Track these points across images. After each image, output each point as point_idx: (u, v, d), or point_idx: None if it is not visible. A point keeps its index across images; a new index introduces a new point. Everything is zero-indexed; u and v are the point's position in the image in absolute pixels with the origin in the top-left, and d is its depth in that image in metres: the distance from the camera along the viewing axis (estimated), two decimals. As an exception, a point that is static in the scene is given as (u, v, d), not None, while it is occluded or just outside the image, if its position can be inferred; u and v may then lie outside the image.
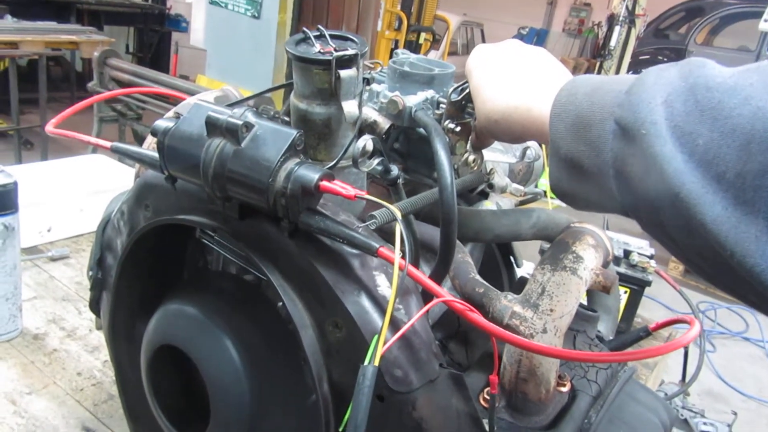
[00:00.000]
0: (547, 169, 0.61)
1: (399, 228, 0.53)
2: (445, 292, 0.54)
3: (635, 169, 0.48)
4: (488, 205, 0.95)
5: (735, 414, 2.93)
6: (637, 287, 1.51)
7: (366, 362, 0.51)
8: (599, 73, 6.98)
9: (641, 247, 1.59)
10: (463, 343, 0.82)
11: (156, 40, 7.50)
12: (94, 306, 0.94)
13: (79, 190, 1.89)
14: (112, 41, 5.16)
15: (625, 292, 1.52)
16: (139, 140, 4.46)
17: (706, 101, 0.43)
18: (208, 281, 0.82)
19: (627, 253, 1.55)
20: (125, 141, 4.41)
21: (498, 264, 1.00)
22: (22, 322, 1.26)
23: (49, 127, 0.84)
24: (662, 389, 1.55)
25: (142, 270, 0.82)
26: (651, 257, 1.55)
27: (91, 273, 0.91)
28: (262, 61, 4.28)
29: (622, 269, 1.51)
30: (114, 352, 0.88)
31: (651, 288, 1.59)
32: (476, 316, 0.53)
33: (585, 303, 0.91)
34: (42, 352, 1.21)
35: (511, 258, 1.01)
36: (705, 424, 2.68)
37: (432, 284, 0.54)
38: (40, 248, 1.59)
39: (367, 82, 0.79)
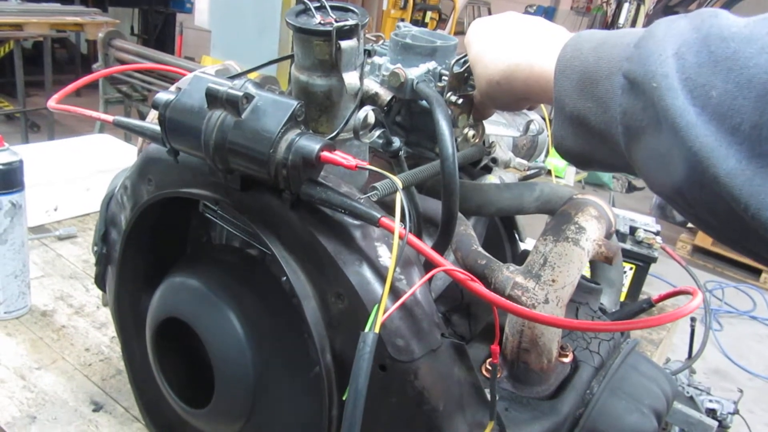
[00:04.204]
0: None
1: (399, 196, 0.53)
2: (446, 262, 0.54)
3: (645, 124, 0.47)
4: (491, 179, 0.94)
5: (741, 391, 2.94)
6: (643, 264, 1.50)
7: (366, 329, 0.51)
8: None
9: (647, 223, 1.58)
10: (466, 316, 0.82)
11: (160, 21, 7.47)
12: (100, 281, 0.95)
13: (85, 170, 1.90)
14: (116, 23, 5.14)
15: (631, 268, 1.52)
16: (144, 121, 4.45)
17: (720, 51, 0.42)
18: (212, 255, 0.83)
19: (633, 230, 1.54)
20: (131, 122, 4.42)
21: (501, 239, 1.00)
22: (30, 300, 1.27)
23: (51, 103, 0.84)
24: (668, 367, 1.55)
25: (145, 244, 0.82)
26: (657, 234, 1.55)
27: (96, 248, 0.92)
28: (267, 41, 4.25)
29: (628, 246, 1.50)
30: (120, 326, 0.89)
31: (657, 268, 1.58)
32: (478, 286, 0.54)
33: (588, 276, 0.91)
34: (50, 328, 1.23)
35: (515, 232, 1.01)
36: (711, 401, 2.69)
37: (433, 253, 0.54)
38: (47, 227, 1.60)
39: (369, 54, 0.79)
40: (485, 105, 0.77)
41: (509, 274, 0.67)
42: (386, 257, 0.61)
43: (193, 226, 0.88)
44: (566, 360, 0.70)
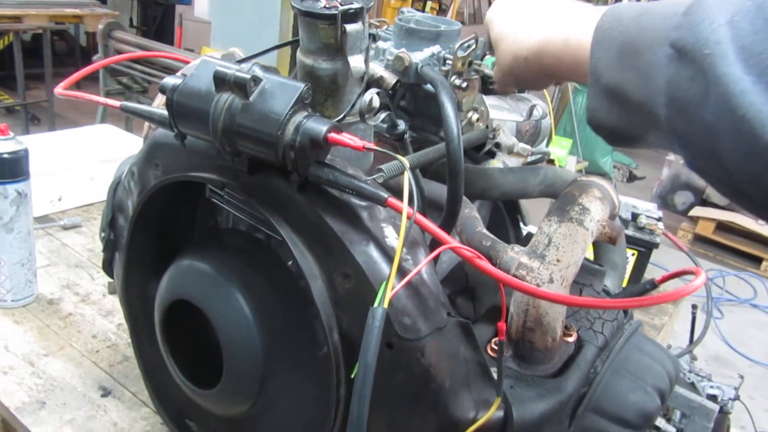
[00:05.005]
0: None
1: (407, 175, 0.54)
2: (453, 240, 0.54)
3: (693, 92, 0.46)
4: (495, 164, 0.95)
5: (742, 378, 2.95)
6: (645, 249, 1.51)
7: (375, 305, 0.52)
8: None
9: (648, 210, 1.59)
10: (470, 298, 0.83)
11: (160, 12, 7.43)
12: (107, 267, 0.96)
13: (88, 159, 1.91)
14: (115, 15, 5.13)
15: (633, 254, 1.53)
16: (146, 113, 4.45)
17: None
18: (219, 239, 0.84)
19: (635, 216, 1.55)
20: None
21: (505, 223, 1.01)
22: (37, 288, 1.28)
23: (58, 89, 0.85)
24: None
25: (153, 229, 0.83)
26: (659, 220, 1.55)
27: (103, 234, 0.92)
28: (267, 32, 4.24)
29: (630, 232, 1.51)
30: (128, 311, 0.90)
31: (659, 256, 1.59)
32: (484, 263, 0.54)
33: (592, 259, 0.92)
34: (57, 316, 1.24)
35: (518, 217, 1.01)
36: (712, 387, 2.70)
37: (440, 232, 0.55)
38: (51, 217, 1.60)
39: (374, 38, 0.79)
40: (506, 83, 0.76)
41: (514, 254, 0.68)
42: (393, 237, 0.62)
43: (200, 211, 0.88)
44: (570, 339, 0.71)
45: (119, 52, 4.06)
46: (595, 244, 0.93)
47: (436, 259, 0.74)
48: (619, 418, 0.71)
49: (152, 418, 1.01)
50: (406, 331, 0.59)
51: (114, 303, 1.30)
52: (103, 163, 1.85)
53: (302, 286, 0.71)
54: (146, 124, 0.97)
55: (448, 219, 0.65)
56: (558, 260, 0.65)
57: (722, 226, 5.16)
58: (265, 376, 0.71)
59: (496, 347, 0.67)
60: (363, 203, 0.62)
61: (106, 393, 1.05)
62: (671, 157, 5.77)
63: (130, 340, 1.18)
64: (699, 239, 5.12)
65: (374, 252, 0.60)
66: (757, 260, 4.93)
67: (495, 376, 0.64)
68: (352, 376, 0.58)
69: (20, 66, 4.47)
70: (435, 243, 0.59)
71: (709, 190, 5.55)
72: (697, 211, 5.37)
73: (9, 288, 1.22)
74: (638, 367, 0.74)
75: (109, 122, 2.89)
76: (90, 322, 1.23)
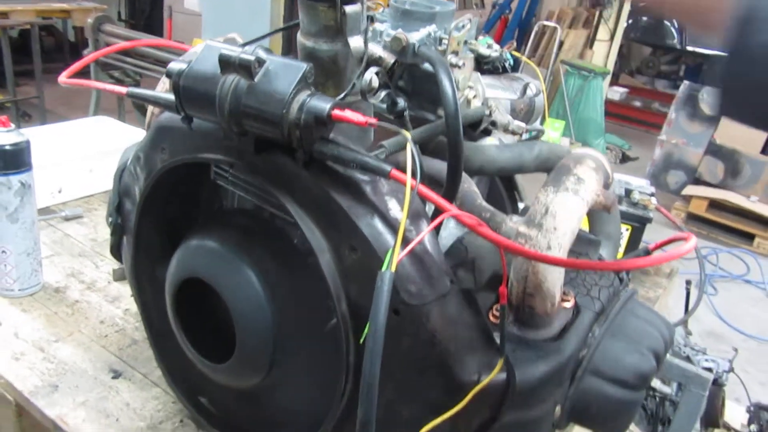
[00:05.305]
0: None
1: (410, 146, 0.56)
2: (454, 208, 0.57)
3: None
4: (491, 141, 0.97)
5: (735, 350, 3.00)
6: (639, 224, 1.55)
7: (383, 269, 0.55)
8: (598, 23, 6.88)
9: (641, 185, 1.62)
10: (471, 270, 0.85)
11: (148, 5, 7.40)
12: (116, 251, 0.98)
13: (86, 152, 1.92)
14: (104, 8, 5.10)
15: (627, 229, 1.56)
16: (138, 105, 4.46)
17: None
18: (226, 219, 0.86)
19: (628, 192, 1.58)
20: (124, 107, 4.42)
21: (502, 198, 1.03)
22: (42, 277, 1.30)
23: (62, 78, 0.87)
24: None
25: (160, 212, 0.85)
26: (651, 195, 1.59)
27: (110, 219, 0.95)
28: (258, 23, 4.24)
29: (624, 207, 1.54)
30: (138, 293, 0.92)
31: (652, 235, 1.62)
32: (485, 230, 0.57)
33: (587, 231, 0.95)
34: (64, 303, 1.26)
35: (515, 193, 1.04)
36: (707, 360, 2.75)
37: (441, 200, 0.58)
38: (52, 209, 1.62)
39: (371, 20, 0.81)
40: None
41: (512, 224, 0.71)
42: (396, 210, 0.64)
43: (205, 195, 0.91)
44: (568, 305, 0.74)
45: (110, 46, 4.05)
46: (590, 217, 0.96)
47: (438, 230, 0.77)
48: (617, 379, 0.74)
49: (163, 397, 1.03)
50: (412, 298, 0.62)
51: (120, 289, 1.32)
52: (102, 155, 1.86)
53: (309, 261, 0.74)
54: (149, 112, 0.99)
55: (450, 189, 0.68)
56: (555, 228, 0.68)
57: (715, 204, 5.21)
58: (276, 348, 0.74)
59: (497, 313, 0.70)
60: (366, 178, 0.65)
61: (116, 375, 1.08)
62: (663, 137, 5.82)
63: (137, 325, 1.21)
64: (692, 217, 5.18)
65: (379, 224, 0.63)
66: (750, 237, 5.00)
67: (497, 340, 0.67)
68: (361, 341, 0.61)
69: (9, 63, 4.46)
70: (437, 216, 0.61)
71: (701, 168, 5.60)
72: (690, 189, 5.41)
73: (16, 277, 1.24)
74: (634, 331, 0.77)
75: (105, 113, 2.90)
76: (97, 308, 1.26)
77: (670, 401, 2.58)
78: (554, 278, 0.69)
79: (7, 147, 1.17)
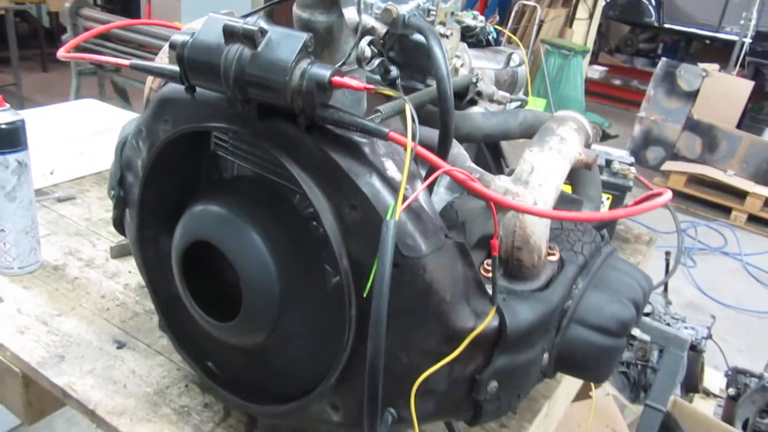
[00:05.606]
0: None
1: (409, 107, 0.61)
2: (447, 164, 0.61)
3: None
4: (477, 110, 1.02)
5: (713, 317, 3.08)
6: (619, 193, 1.60)
7: (388, 218, 0.59)
8: (578, 2, 6.92)
9: (621, 156, 1.68)
10: (462, 232, 0.90)
11: (125, -11, 7.31)
12: (118, 224, 1.02)
13: (77, 134, 1.93)
14: (80, -8, 5.04)
15: (608, 198, 1.62)
16: (119, 92, 4.43)
17: None
18: (228, 186, 0.89)
19: (608, 162, 1.64)
20: (105, 93, 4.39)
21: (489, 165, 1.08)
22: (41, 255, 1.33)
23: (61, 52, 0.89)
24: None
25: (164, 182, 0.88)
26: (631, 165, 1.64)
27: (113, 192, 0.98)
28: (238, 6, 4.23)
29: (604, 177, 1.59)
30: (143, 263, 0.95)
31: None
32: (477, 185, 0.62)
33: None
34: (64, 280, 1.29)
35: (501, 160, 1.09)
36: (686, 327, 2.84)
37: (435, 158, 0.62)
38: (45, 190, 1.64)
39: (363, -7, 0.85)
40: None
41: (501, 183, 0.75)
42: (393, 170, 0.69)
43: (204, 166, 0.94)
44: (554, 259, 0.79)
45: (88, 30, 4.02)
46: (572, 180, 1.01)
47: (431, 191, 0.81)
48: (600, 327, 0.79)
49: (168, 364, 1.07)
50: (410, 251, 0.66)
51: (118, 266, 1.35)
52: (92, 137, 1.88)
53: (310, 224, 0.78)
54: (147, 87, 1.02)
55: (442, 149, 0.72)
56: (540, 185, 0.73)
57: (693, 179, 5.33)
58: (280, 306, 0.78)
59: (488, 267, 0.75)
60: (364, 140, 0.69)
61: (121, 345, 1.11)
62: (642, 113, 5.91)
63: (137, 299, 1.25)
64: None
65: (377, 183, 0.67)
66: (727, 210, 5.13)
67: (489, 291, 0.72)
68: (365, 295, 0.66)
69: (-16, 49, 4.41)
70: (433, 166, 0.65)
71: (680, 144, 5.71)
72: (669, 165, 5.52)
73: (15, 255, 1.27)
74: (615, 283, 0.82)
75: (90, 95, 2.90)
76: (97, 284, 1.29)
77: (651, 368, 2.67)
78: (540, 232, 0.74)
79: (3, 126, 1.19)
